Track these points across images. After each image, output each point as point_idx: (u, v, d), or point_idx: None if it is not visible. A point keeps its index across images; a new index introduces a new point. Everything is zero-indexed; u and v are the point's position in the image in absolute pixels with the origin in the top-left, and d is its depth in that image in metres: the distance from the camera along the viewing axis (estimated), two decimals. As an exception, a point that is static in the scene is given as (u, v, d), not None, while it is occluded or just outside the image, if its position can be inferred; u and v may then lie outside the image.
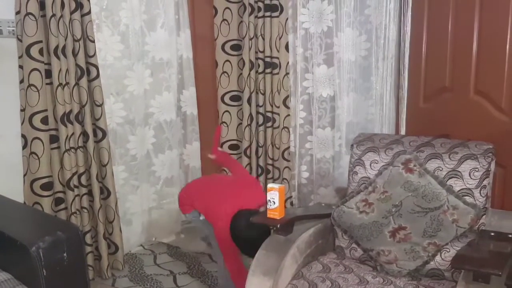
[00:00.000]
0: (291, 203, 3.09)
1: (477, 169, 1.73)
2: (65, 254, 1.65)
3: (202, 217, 2.26)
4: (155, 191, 3.20)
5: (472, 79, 2.27)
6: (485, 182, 1.73)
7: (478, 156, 1.75)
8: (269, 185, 1.77)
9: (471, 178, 1.73)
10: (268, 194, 1.78)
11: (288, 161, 3.00)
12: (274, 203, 1.77)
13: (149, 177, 3.13)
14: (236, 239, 2.06)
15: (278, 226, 1.76)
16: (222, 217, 2.10)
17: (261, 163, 2.98)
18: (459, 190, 1.73)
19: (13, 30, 2.26)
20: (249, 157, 2.97)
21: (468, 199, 1.72)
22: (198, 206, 2.27)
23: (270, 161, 2.99)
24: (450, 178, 1.75)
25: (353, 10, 2.75)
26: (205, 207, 2.23)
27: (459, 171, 1.75)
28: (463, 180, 1.74)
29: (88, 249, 2.55)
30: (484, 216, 1.74)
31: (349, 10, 2.75)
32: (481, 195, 1.73)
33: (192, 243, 3.10)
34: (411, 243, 1.74)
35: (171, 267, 2.80)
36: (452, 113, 2.38)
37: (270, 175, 2.98)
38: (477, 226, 1.71)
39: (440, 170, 1.77)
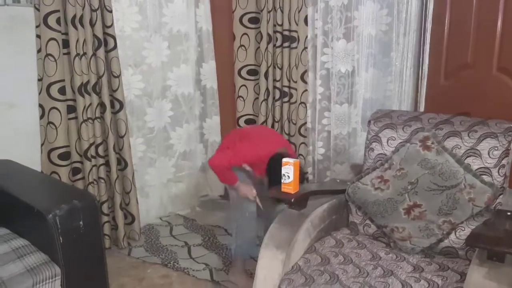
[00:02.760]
0: (307, 179, 3.08)
1: (496, 148, 1.69)
2: (81, 222, 1.68)
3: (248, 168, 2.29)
4: (172, 165, 3.22)
5: (496, 56, 2.20)
6: (504, 162, 1.70)
7: (498, 134, 1.70)
8: (284, 160, 1.76)
9: (490, 157, 1.69)
10: (283, 168, 1.77)
11: (304, 137, 2.98)
12: (289, 177, 1.76)
13: (166, 151, 3.15)
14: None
15: (292, 200, 1.76)
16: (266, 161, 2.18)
17: (277, 138, 2.97)
18: (477, 169, 1.70)
19: (31, -1, 2.26)
20: (265, 132, 2.96)
21: (486, 178, 1.68)
22: (245, 160, 2.27)
23: (286, 137, 2.97)
24: (468, 157, 1.72)
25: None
26: (253, 158, 2.25)
27: (477, 150, 1.71)
28: (481, 158, 1.70)
29: (105, 218, 2.59)
30: (501, 196, 1.70)
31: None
32: (499, 175, 1.69)
33: (207, 216, 3.14)
34: (426, 220, 1.72)
35: (186, 238, 2.84)
36: (473, 91, 2.32)
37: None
38: (493, 206, 1.69)
39: (459, 148, 1.74)
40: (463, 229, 1.70)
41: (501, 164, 1.69)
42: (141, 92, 2.92)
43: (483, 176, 1.69)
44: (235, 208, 2.33)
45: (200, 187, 3.41)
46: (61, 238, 1.62)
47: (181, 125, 3.18)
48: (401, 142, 1.87)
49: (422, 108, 2.61)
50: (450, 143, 1.76)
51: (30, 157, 2.34)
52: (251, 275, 2.33)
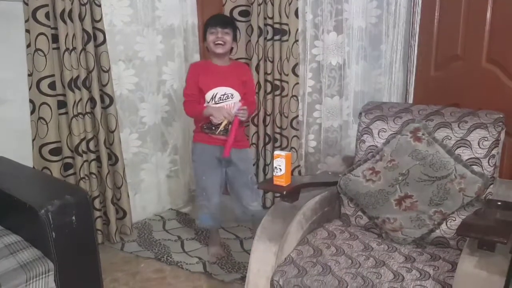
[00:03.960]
0: (299, 172, 3.09)
1: (486, 139, 1.71)
2: (73, 218, 1.67)
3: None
4: (166, 160, 3.23)
5: (485, 47, 2.22)
6: (494, 152, 1.71)
7: (488, 125, 1.72)
8: (276, 152, 1.76)
9: (480, 148, 1.71)
10: (274, 161, 1.77)
11: (296, 130, 2.99)
12: (281, 170, 1.76)
13: (161, 146, 3.15)
14: None
15: (284, 193, 1.77)
16: None
17: (268, 131, 2.97)
18: (467, 159, 1.72)
19: (19, -7, 2.24)
20: (257, 126, 2.96)
21: (476, 168, 1.70)
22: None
23: (278, 130, 2.98)
24: (458, 147, 1.74)
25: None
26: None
27: (467, 140, 1.73)
28: (471, 149, 1.72)
29: (97, 214, 2.59)
30: (491, 186, 1.73)
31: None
32: (489, 165, 1.71)
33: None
34: (417, 211, 1.74)
35: (179, 233, 2.85)
36: (463, 82, 2.33)
37: (277, 144, 2.97)
38: (484, 196, 1.71)
39: (449, 139, 1.76)
40: (454, 219, 1.72)
41: (491, 154, 1.71)
42: (134, 87, 2.91)
43: (473, 167, 1.71)
44: (195, 169, 2.42)
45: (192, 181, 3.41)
46: (53, 234, 1.61)
47: (173, 121, 3.19)
48: (392, 134, 1.88)
49: (410, 100, 2.62)
50: (440, 134, 1.77)
51: (22, 152, 2.33)
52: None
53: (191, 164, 3.30)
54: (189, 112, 2.37)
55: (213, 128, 2.33)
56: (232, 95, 2.33)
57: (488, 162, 1.71)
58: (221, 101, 2.31)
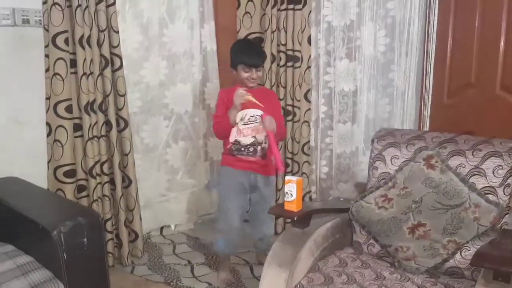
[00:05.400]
0: (310, 198, 3.08)
1: (501, 167, 1.69)
2: (85, 239, 1.68)
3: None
4: (167, 180, 3.25)
5: (499, 75, 2.22)
6: (509, 181, 1.69)
7: (503, 153, 1.70)
8: (287, 177, 1.77)
9: (495, 176, 1.69)
10: (285, 186, 1.77)
11: (308, 155, 2.99)
12: (292, 195, 1.76)
13: (162, 166, 3.18)
14: None
15: (295, 218, 1.76)
16: None
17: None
18: (482, 188, 1.69)
19: (40, 19, 2.30)
20: (269, 150, 2.97)
21: (491, 197, 1.68)
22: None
23: (289, 155, 2.98)
24: (472, 176, 1.72)
25: (376, 4, 2.70)
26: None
27: (482, 169, 1.71)
28: (486, 177, 1.70)
29: (109, 236, 2.59)
30: (507, 215, 1.69)
31: (371, 4, 2.71)
32: (504, 194, 1.68)
33: (211, 235, 3.13)
34: (431, 240, 1.71)
35: (189, 257, 2.83)
36: (477, 110, 2.33)
37: (289, 169, 2.97)
38: (499, 225, 1.68)
39: (463, 167, 1.74)
40: (468, 249, 1.68)
41: (506, 183, 1.69)
42: (138, 110, 2.98)
43: (488, 195, 1.68)
44: (220, 197, 2.42)
45: (200, 204, 3.41)
46: (65, 255, 1.62)
47: (176, 143, 3.23)
48: (404, 161, 1.87)
49: (426, 127, 2.61)
50: (454, 162, 1.76)
51: (36, 174, 2.36)
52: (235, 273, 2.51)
53: (200, 187, 3.34)
54: (218, 128, 2.39)
55: (242, 149, 2.36)
56: (256, 117, 2.37)
57: (504, 191, 1.69)
58: (250, 122, 2.35)
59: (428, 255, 1.72)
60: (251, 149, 2.35)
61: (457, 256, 1.70)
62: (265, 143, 2.38)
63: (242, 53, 2.38)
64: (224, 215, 2.42)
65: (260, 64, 2.38)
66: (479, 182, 1.70)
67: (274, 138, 2.27)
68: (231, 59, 2.40)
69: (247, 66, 2.33)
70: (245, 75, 2.33)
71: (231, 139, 2.38)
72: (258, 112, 2.35)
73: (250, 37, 2.97)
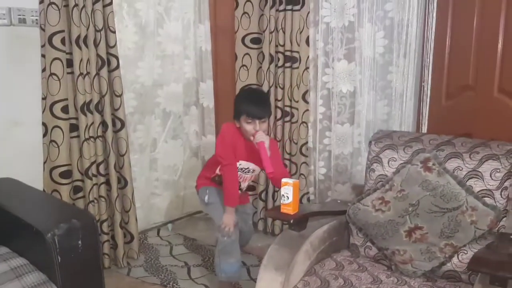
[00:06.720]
0: (308, 199, 3.07)
1: (498, 170, 1.68)
2: (79, 242, 1.66)
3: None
4: (156, 178, 3.25)
5: (497, 77, 2.21)
6: (506, 184, 1.68)
7: (500, 156, 1.70)
8: (283, 180, 1.76)
9: (492, 179, 1.68)
10: (282, 189, 1.77)
11: (306, 156, 2.98)
12: (288, 198, 1.75)
13: (153, 165, 3.19)
14: None
15: (292, 221, 1.75)
16: None
17: (278, 157, 2.97)
18: (479, 191, 1.69)
19: (36, 19, 2.29)
20: (267, 152, 2.96)
21: (488, 200, 1.67)
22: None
23: (287, 156, 2.97)
24: (470, 178, 1.71)
25: (375, 5, 2.69)
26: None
27: (479, 172, 1.70)
28: (483, 180, 1.69)
29: (105, 237, 2.58)
30: (504, 219, 1.69)
31: (370, 5, 2.69)
32: (502, 197, 1.68)
33: (208, 236, 3.12)
34: (428, 243, 1.70)
35: (186, 258, 2.82)
36: (474, 112, 2.32)
37: (287, 170, 2.96)
38: (496, 229, 1.67)
39: (460, 170, 1.73)
40: (465, 252, 1.68)
41: (503, 186, 1.68)
42: (133, 110, 2.98)
43: (485, 199, 1.67)
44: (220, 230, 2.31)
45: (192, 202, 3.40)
46: (59, 258, 1.61)
47: (167, 141, 3.25)
48: (402, 163, 1.86)
49: (424, 129, 2.60)
50: (451, 164, 1.75)
51: (32, 174, 2.34)
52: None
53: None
54: (229, 177, 2.28)
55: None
56: (254, 170, 2.36)
57: (501, 194, 1.68)
58: (242, 172, 2.33)
59: (425, 258, 1.71)
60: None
61: (454, 259, 1.69)
62: (245, 190, 2.47)
63: (247, 103, 2.22)
64: (224, 231, 2.27)
65: (264, 115, 2.22)
66: (476, 185, 1.70)
67: (265, 150, 2.17)
68: (234, 109, 2.25)
69: (249, 118, 2.18)
70: (248, 127, 2.18)
71: (216, 171, 2.37)
72: (252, 166, 2.33)
73: (247, 37, 2.95)
